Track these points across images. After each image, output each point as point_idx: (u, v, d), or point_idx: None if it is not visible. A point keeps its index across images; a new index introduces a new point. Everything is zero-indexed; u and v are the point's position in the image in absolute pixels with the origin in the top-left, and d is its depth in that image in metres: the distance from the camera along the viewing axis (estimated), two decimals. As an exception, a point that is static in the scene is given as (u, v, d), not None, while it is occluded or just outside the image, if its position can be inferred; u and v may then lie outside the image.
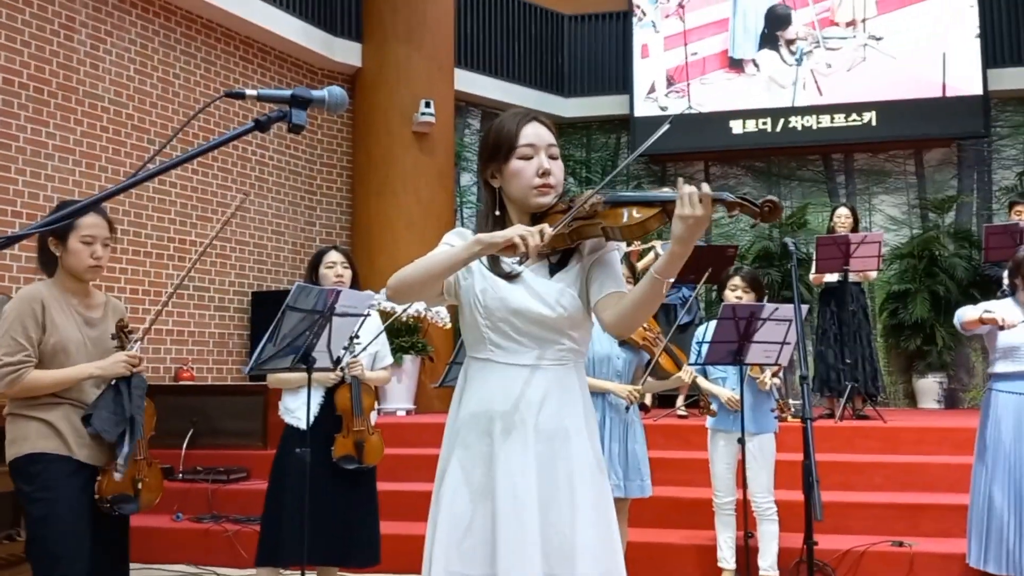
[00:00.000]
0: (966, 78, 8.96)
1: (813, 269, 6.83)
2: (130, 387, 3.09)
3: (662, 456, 5.27)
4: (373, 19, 8.76)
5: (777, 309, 3.96)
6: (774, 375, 4.30)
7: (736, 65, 9.66)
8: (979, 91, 8.91)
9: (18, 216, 6.16)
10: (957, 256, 8.89)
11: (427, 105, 8.44)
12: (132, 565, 3.30)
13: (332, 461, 3.71)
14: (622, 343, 4.09)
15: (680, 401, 7.14)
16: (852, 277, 6.70)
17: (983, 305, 4.16)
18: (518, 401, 2.04)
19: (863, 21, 9.36)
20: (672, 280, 1.93)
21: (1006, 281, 4.46)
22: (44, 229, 1.75)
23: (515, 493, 2.00)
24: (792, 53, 9.51)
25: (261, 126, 1.53)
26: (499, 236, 1.91)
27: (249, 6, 7.82)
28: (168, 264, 7.27)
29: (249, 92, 1.56)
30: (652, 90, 9.81)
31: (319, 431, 3.69)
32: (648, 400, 6.98)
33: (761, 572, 4.29)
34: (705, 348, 4.09)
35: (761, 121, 9.48)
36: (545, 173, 2.07)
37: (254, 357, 3.35)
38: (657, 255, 6.74)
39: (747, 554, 4.29)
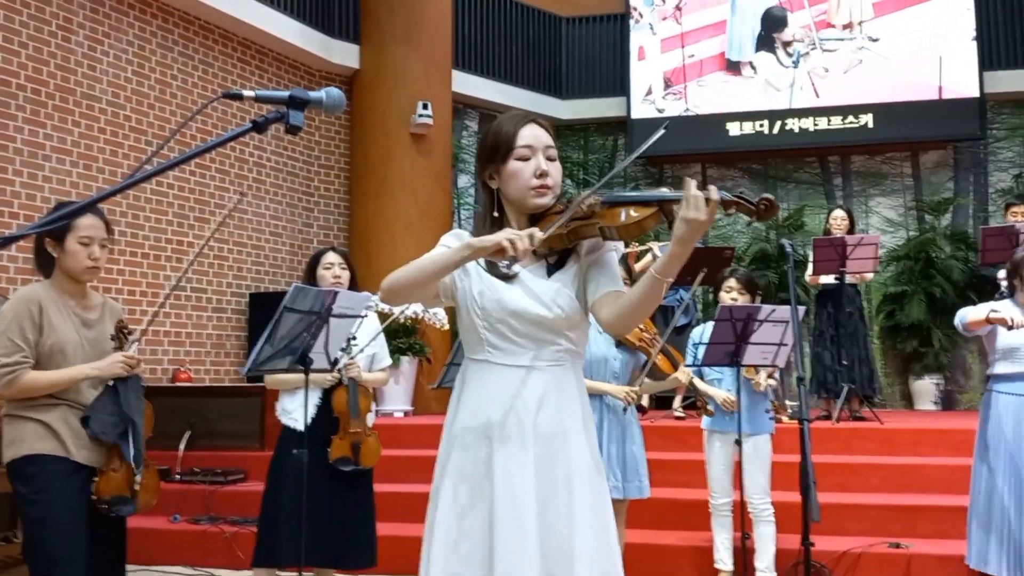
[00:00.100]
0: (962, 80, 8.98)
1: (809, 271, 6.84)
2: (128, 388, 3.09)
3: (659, 457, 5.27)
4: (371, 21, 8.77)
5: (774, 311, 3.97)
6: (769, 376, 4.31)
7: (733, 67, 9.68)
8: (975, 93, 8.94)
9: (15, 218, 6.16)
10: (953, 258, 8.91)
11: (425, 107, 8.45)
12: (129, 566, 3.30)
13: (329, 462, 3.71)
14: (619, 344, 4.09)
15: (677, 402, 7.15)
16: (848, 279, 6.71)
17: (988, 305, 4.15)
18: (516, 402, 2.04)
19: (860, 23, 9.38)
20: (672, 280, 1.94)
21: (1004, 283, 4.46)
22: (41, 230, 1.75)
23: (513, 494, 2.00)
24: (789, 55, 9.53)
25: (258, 127, 1.54)
26: (488, 240, 1.92)
27: (247, 8, 7.82)
28: (166, 265, 7.26)
29: (247, 93, 1.56)
30: (649, 92, 9.82)
31: (316, 432, 3.69)
32: (645, 401, 6.98)
33: (758, 574, 4.30)
34: (702, 349, 4.10)
35: (758, 123, 9.50)
36: (543, 174, 2.08)
37: (251, 358, 3.35)
38: (655, 256, 6.75)
39: (744, 555, 4.29)
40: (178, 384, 7.08)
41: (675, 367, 4.11)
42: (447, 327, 7.95)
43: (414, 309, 7.31)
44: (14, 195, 6.19)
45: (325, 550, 3.67)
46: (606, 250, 2.13)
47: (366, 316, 3.78)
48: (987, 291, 7.08)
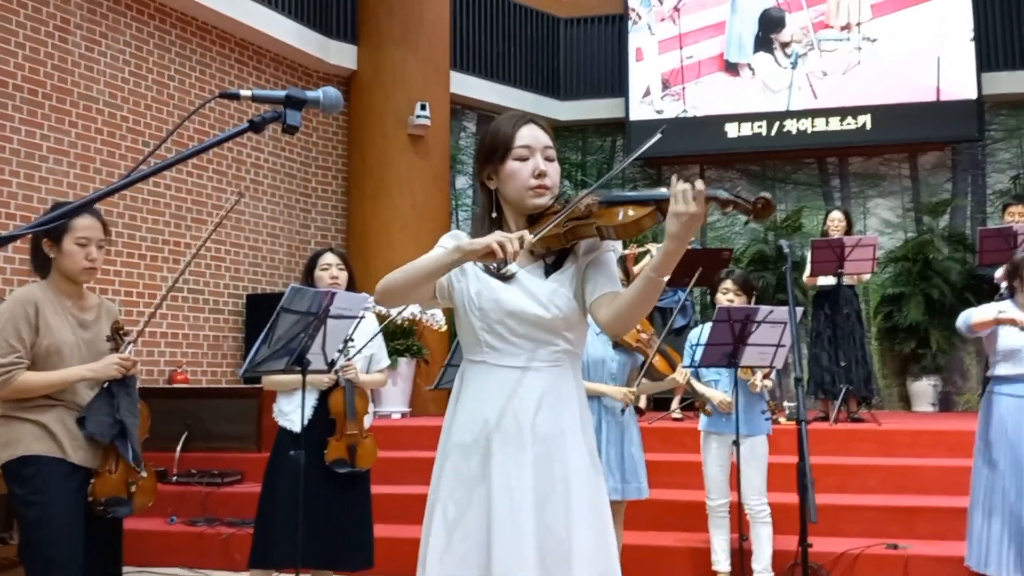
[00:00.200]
0: (960, 82, 8.99)
1: (807, 272, 6.84)
2: (123, 390, 3.08)
3: (657, 459, 5.25)
4: (369, 22, 8.76)
5: (772, 312, 3.97)
6: (765, 377, 4.31)
7: (731, 68, 9.68)
8: (973, 95, 8.94)
9: (12, 218, 6.15)
10: (951, 259, 8.92)
11: (422, 108, 8.45)
12: (126, 568, 3.29)
13: (326, 464, 3.71)
14: (616, 346, 4.09)
15: (675, 404, 7.15)
16: (846, 280, 6.71)
17: (994, 306, 4.14)
18: (514, 403, 2.04)
19: (858, 24, 9.38)
20: (667, 278, 1.93)
21: (1004, 284, 4.46)
22: (38, 230, 1.74)
23: (511, 495, 1.99)
24: (787, 56, 9.53)
25: (255, 127, 1.53)
26: (478, 243, 1.93)
27: (244, 8, 7.81)
28: (163, 266, 7.25)
29: (244, 93, 1.56)
30: (647, 93, 9.82)
31: (313, 434, 3.69)
32: (643, 403, 6.97)
33: (755, 575, 4.30)
34: (700, 350, 4.10)
35: (756, 124, 9.50)
36: (541, 174, 2.08)
37: (248, 359, 3.34)
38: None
39: (741, 557, 4.29)
40: (175, 385, 7.07)
41: (673, 368, 4.11)
42: (445, 328, 7.94)
43: (412, 310, 7.30)
44: (11, 196, 6.18)
45: (321, 552, 3.66)
46: (604, 251, 2.13)
47: (364, 317, 3.77)
48: (985, 292, 7.08)
